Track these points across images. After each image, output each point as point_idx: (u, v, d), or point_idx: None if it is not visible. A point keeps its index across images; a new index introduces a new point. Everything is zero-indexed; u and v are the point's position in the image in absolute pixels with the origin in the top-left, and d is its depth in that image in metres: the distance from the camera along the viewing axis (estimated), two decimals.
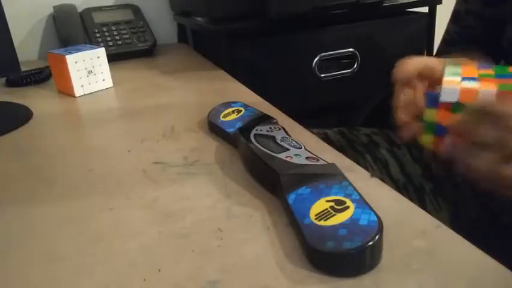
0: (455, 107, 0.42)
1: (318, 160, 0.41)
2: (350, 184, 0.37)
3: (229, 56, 0.89)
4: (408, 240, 0.34)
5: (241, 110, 0.56)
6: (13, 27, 0.78)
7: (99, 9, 1.07)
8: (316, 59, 0.91)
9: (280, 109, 0.62)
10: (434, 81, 0.47)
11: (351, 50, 0.94)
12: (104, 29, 1.03)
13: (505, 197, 0.39)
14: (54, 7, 1.04)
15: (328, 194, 0.35)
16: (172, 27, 1.20)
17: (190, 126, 0.60)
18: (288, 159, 0.42)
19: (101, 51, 0.78)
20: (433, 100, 0.43)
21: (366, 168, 0.46)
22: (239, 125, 0.52)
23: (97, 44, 0.98)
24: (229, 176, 0.46)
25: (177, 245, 0.35)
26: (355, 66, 0.95)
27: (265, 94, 0.69)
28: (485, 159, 0.38)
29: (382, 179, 0.43)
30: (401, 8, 0.99)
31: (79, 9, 1.05)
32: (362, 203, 0.34)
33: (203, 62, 0.98)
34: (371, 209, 0.33)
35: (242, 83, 0.77)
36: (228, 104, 0.59)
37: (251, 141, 0.46)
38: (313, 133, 0.56)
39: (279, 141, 0.46)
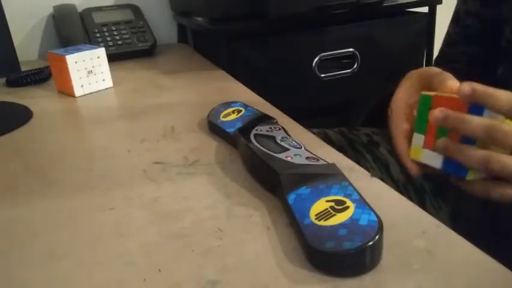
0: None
1: (318, 160, 0.41)
2: (350, 184, 0.37)
3: (229, 56, 0.88)
4: (408, 240, 0.34)
5: (241, 110, 0.56)
6: (13, 27, 0.78)
7: (99, 9, 1.07)
8: (316, 59, 0.91)
9: (280, 109, 0.62)
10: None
11: (351, 50, 0.94)
12: (104, 29, 1.03)
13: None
14: (54, 7, 1.04)
15: (328, 194, 0.35)
16: (172, 27, 1.20)
17: (190, 126, 0.60)
18: (288, 159, 0.42)
19: (101, 51, 0.78)
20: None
21: (366, 168, 0.46)
22: (239, 125, 0.52)
23: (97, 44, 0.98)
24: (229, 176, 0.46)
25: (177, 245, 0.35)
26: (355, 66, 0.95)
27: (265, 94, 0.69)
28: (475, 154, 0.38)
29: (382, 179, 0.43)
30: (401, 8, 0.99)
31: (79, 9, 1.05)
32: (362, 203, 0.34)
33: (203, 62, 0.98)
34: (371, 209, 0.33)
35: (242, 83, 0.77)
36: (228, 104, 0.59)
37: (251, 141, 0.46)
38: (314, 133, 0.56)
39: (279, 141, 0.46)
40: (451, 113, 0.39)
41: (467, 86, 0.38)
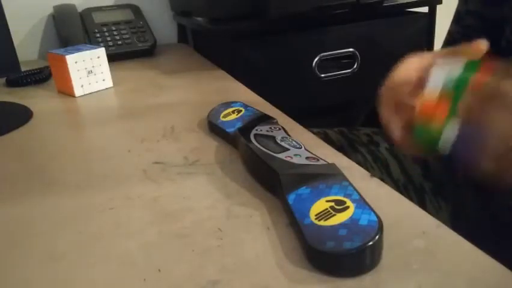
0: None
1: (318, 160, 0.41)
2: (350, 184, 0.37)
3: (229, 56, 0.89)
4: (408, 240, 0.34)
5: (241, 110, 0.56)
6: (13, 27, 0.78)
7: (99, 9, 1.07)
8: (316, 59, 0.91)
9: (280, 109, 0.62)
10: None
11: (351, 50, 0.94)
12: (104, 29, 1.03)
13: (505, 193, 0.39)
14: (54, 7, 1.04)
15: (328, 194, 0.35)
16: (172, 27, 1.20)
17: (190, 126, 0.60)
18: (288, 159, 0.42)
19: (101, 51, 0.78)
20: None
21: (366, 168, 0.46)
22: (239, 125, 0.52)
23: (97, 44, 0.98)
24: (229, 176, 0.46)
25: (177, 245, 0.35)
26: (355, 66, 0.95)
27: (265, 94, 0.69)
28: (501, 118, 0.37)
29: (382, 179, 0.43)
30: (401, 8, 0.99)
31: (79, 9, 1.05)
32: (362, 203, 0.34)
33: (203, 62, 0.98)
34: (371, 209, 0.33)
35: (242, 83, 0.77)
36: (228, 104, 0.59)
37: (251, 141, 0.46)
38: (314, 133, 0.56)
39: (279, 141, 0.46)
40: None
41: None
